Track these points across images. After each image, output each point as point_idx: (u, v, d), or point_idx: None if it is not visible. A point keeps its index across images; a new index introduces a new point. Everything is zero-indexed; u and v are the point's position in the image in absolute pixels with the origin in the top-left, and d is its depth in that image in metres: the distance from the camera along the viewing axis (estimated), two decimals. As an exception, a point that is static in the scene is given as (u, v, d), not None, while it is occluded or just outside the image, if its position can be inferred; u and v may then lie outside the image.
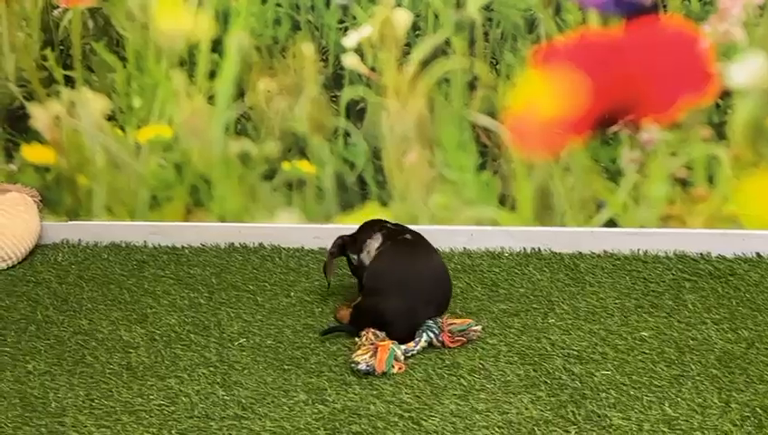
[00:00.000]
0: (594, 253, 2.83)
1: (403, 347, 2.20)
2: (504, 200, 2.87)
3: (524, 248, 2.88)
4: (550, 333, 2.34)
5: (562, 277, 2.68)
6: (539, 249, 2.87)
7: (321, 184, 2.96)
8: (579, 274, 2.70)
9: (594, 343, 2.27)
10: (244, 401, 2.08)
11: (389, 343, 2.18)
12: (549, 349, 2.25)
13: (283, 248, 2.99)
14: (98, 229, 3.12)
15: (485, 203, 2.88)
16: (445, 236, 2.89)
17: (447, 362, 2.20)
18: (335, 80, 2.86)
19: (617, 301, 2.51)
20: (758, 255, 2.74)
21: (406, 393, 2.07)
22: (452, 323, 2.27)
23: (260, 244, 3.03)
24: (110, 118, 3.02)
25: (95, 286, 2.78)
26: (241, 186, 3.00)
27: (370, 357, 2.16)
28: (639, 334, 2.31)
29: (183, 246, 3.06)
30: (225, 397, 2.10)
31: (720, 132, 2.70)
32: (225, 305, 2.60)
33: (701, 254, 2.77)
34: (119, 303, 2.66)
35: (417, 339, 2.24)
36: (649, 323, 2.36)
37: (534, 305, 2.50)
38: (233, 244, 3.04)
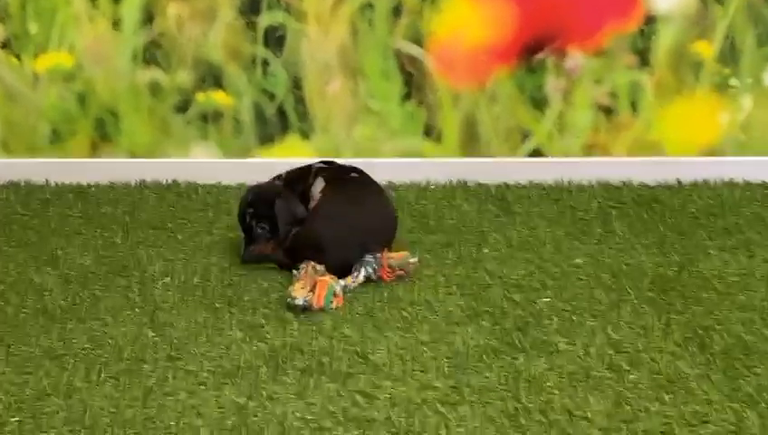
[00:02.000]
0: (520, 183, 2.80)
1: (342, 282, 2.12)
2: (429, 131, 2.80)
3: (451, 180, 2.82)
4: (485, 263, 2.30)
5: (491, 208, 2.65)
6: (465, 181, 2.82)
7: (239, 116, 2.81)
8: (507, 204, 2.67)
9: (531, 272, 2.24)
10: (176, 341, 1.96)
11: (328, 278, 2.09)
12: (487, 279, 2.21)
13: (200, 185, 2.84)
14: (-6, 168, 2.90)
15: (411, 134, 2.80)
16: (369, 169, 2.80)
17: (386, 296, 2.14)
18: (252, 4, 2.71)
19: (547, 230, 2.49)
20: (678, 181, 2.77)
21: (347, 328, 2.00)
22: (390, 258, 2.20)
23: (174, 180, 2.86)
24: (4, 45, 2.78)
25: (-4, 228, 2.59)
26: (151, 119, 2.83)
27: (308, 292, 2.07)
28: (574, 262, 2.29)
29: (89, 184, 2.87)
30: (156, 338, 1.98)
31: (644, 59, 2.70)
32: (143, 245, 2.45)
33: (623, 182, 2.78)
34: (24, 244, 2.47)
35: (355, 274, 2.16)
36: (582, 251, 2.36)
37: (466, 237, 2.46)
38: (144, 181, 2.87)
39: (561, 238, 2.44)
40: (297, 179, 2.36)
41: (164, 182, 2.86)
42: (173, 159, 2.86)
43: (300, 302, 2.05)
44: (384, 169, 2.79)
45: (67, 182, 2.87)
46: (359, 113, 2.79)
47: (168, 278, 2.25)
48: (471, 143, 2.80)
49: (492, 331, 1.98)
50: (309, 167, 2.39)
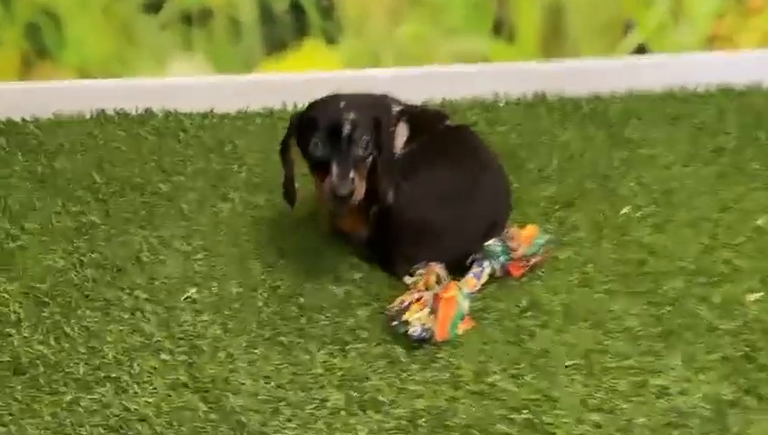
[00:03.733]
0: (616, 94, 2.12)
1: (466, 290, 1.44)
2: (499, 28, 2.06)
3: (525, 94, 2.11)
4: (634, 232, 1.64)
5: (594, 133, 1.97)
6: (544, 93, 2.12)
7: (237, 15, 2.00)
8: (611, 127, 2.00)
9: (707, 248, 1.59)
10: (249, 424, 1.27)
11: (455, 291, 1.40)
12: (652, 263, 1.56)
13: (184, 115, 2.05)
14: None
15: (474, 32, 2.06)
16: (419, 80, 2.07)
17: (526, 303, 1.46)
18: None
19: (687, 167, 1.84)
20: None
21: (498, 377, 1.33)
22: (519, 243, 1.51)
23: (147, 110, 2.06)
24: None
25: None
26: (109, 22, 1.99)
27: (428, 315, 1.38)
28: (753, 223, 1.66)
29: (25, 120, 2.05)
30: (213, 415, 1.27)
31: None
32: (131, 224, 1.69)
33: (747, 86, 2.14)
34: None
35: (477, 271, 1.48)
36: (754, 202, 1.72)
37: (587, 186, 1.78)
38: (104, 111, 2.06)
39: (708, 180, 1.79)
40: (378, 114, 1.58)
41: (132, 113, 2.06)
42: (144, 79, 2.05)
43: (418, 332, 1.36)
44: (438, 79, 2.08)
45: (-8, 116, 2.04)
46: (404, 6, 2.02)
47: (194, 291, 1.51)
48: (554, 42, 2.08)
49: (715, 370, 1.33)
50: (384, 102, 1.62)
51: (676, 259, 1.57)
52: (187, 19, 1.99)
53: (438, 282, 1.40)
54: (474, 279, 1.46)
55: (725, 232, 1.64)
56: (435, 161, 1.52)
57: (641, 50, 2.10)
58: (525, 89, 2.11)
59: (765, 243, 1.60)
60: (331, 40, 2.03)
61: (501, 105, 2.09)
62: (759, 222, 1.66)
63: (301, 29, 2.01)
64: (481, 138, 1.63)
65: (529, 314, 1.44)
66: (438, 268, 1.42)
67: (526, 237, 1.52)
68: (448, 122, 1.59)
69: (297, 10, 1.99)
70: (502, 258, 1.49)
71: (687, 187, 1.78)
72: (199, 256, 1.60)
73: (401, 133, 1.56)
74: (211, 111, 2.06)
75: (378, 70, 2.05)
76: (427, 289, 1.39)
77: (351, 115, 1.43)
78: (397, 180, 1.49)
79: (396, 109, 1.59)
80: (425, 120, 1.59)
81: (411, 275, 1.43)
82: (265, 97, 2.05)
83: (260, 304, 1.48)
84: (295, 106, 2.06)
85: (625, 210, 1.71)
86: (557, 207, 1.72)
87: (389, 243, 1.51)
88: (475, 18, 2.04)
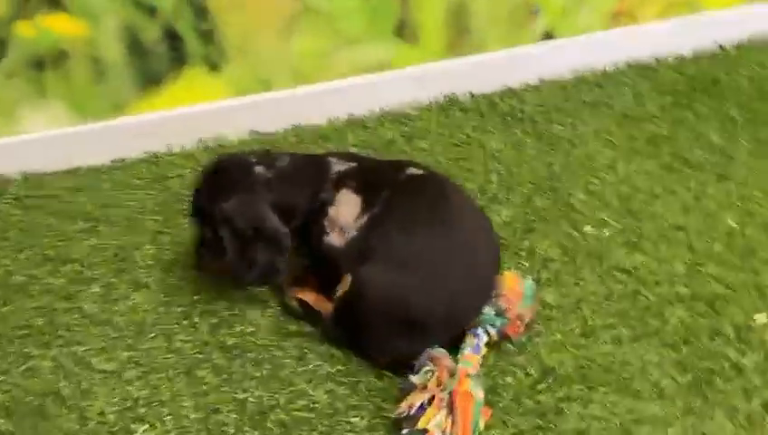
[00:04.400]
0: (529, 85, 1.96)
1: (473, 373, 1.23)
2: (401, 30, 1.83)
3: (435, 97, 1.91)
4: (610, 254, 1.49)
5: (521, 136, 1.81)
6: (455, 94, 1.92)
7: (98, 54, 1.65)
8: (537, 125, 1.84)
9: (691, 265, 1.47)
10: None
11: (469, 384, 1.19)
12: (645, 291, 1.43)
13: (48, 175, 1.69)
14: None
15: (375, 38, 1.82)
16: (318, 99, 1.81)
17: (534, 372, 1.29)
18: None
19: (629, 164, 1.72)
20: (721, 47, 2.08)
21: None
22: (511, 300, 1.32)
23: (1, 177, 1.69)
24: None
25: None
26: (-63, 80, 1.59)
27: (446, 418, 1.17)
28: (724, 224, 1.56)
29: None
30: None
31: None
32: (31, 342, 1.35)
33: (656, 58, 2.04)
34: None
35: (472, 342, 1.27)
36: (713, 200, 1.63)
37: (539, 203, 1.62)
38: (-56, 186, 1.67)
39: (661, 179, 1.68)
40: (300, 179, 1.34)
41: (-17, 183, 1.69)
42: (-9, 141, 1.67)
43: (438, 440, 1.16)
44: (340, 94, 1.84)
45: None
46: (296, 19, 1.74)
47: (144, 428, 1.22)
48: (460, 39, 1.88)
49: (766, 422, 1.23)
50: (322, 162, 1.37)
51: (666, 283, 1.44)
52: (38, 64, 1.61)
53: (452, 375, 1.20)
54: (474, 355, 1.27)
55: (700, 240, 1.53)
56: (394, 225, 1.29)
57: (548, 35, 1.94)
58: (435, 92, 1.90)
59: (742, 248, 1.51)
60: (213, 66, 1.72)
61: (413, 114, 1.88)
62: (729, 222, 1.57)
63: (177, 58, 1.69)
64: (453, 181, 1.42)
65: (544, 384, 1.27)
66: (446, 359, 1.21)
67: (513, 290, 1.34)
68: (411, 171, 1.36)
69: (171, 38, 1.67)
70: (498, 323, 1.30)
71: (640, 189, 1.66)
72: (133, 373, 1.30)
73: (346, 203, 1.32)
74: (77, 168, 1.71)
75: (271, 93, 1.78)
76: (440, 387, 1.18)
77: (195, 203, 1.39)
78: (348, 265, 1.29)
79: (336, 169, 1.34)
80: (380, 175, 1.35)
81: (413, 372, 1.21)
82: (144, 141, 1.73)
83: (231, 430, 1.22)
84: (183, 147, 1.77)
85: (589, 229, 1.56)
86: (518, 235, 1.55)
87: (355, 330, 1.29)
88: (375, 23, 1.80)
